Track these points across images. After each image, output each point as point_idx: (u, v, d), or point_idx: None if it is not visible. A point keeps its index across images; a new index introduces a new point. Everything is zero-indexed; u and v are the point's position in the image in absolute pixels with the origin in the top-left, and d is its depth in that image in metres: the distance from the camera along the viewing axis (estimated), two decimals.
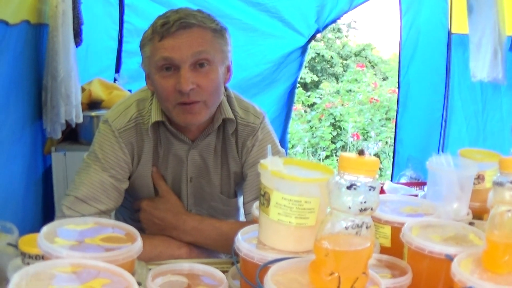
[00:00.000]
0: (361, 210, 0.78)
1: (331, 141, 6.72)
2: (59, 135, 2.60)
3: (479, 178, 1.45)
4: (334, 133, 6.74)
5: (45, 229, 1.01)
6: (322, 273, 0.81)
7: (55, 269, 0.86)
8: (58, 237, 1.02)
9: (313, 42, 9.36)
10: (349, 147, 6.36)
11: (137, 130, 1.67)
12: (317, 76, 9.19)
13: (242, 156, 1.76)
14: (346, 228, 0.79)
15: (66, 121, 2.60)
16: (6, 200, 2.09)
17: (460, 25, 3.16)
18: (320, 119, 6.91)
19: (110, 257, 0.93)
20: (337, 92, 7.42)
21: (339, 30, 9.73)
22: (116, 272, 0.87)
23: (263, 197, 1.00)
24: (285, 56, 3.50)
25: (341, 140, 6.65)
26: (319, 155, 6.66)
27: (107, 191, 1.64)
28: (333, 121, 6.79)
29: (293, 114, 7.24)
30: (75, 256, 0.92)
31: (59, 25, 2.45)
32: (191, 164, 1.73)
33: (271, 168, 0.97)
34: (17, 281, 0.78)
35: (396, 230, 1.21)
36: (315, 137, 6.82)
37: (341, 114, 6.74)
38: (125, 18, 3.33)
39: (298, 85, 7.71)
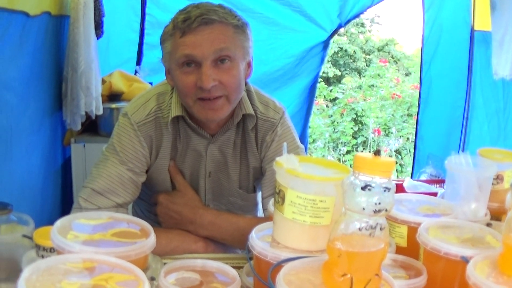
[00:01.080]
0: (375, 211, 0.77)
1: (353, 136, 6.68)
2: (79, 127, 2.63)
3: (498, 178, 1.42)
4: (356, 128, 6.69)
5: (59, 223, 1.01)
6: (335, 274, 0.80)
7: (67, 264, 0.85)
8: (72, 231, 1.01)
9: (336, 37, 9.33)
10: (370, 143, 6.30)
11: (156, 124, 1.67)
12: (340, 70, 9.14)
13: (261, 151, 1.75)
14: (360, 229, 0.78)
15: (86, 113, 2.63)
16: (24, 190, 2.11)
17: (483, 22, 3.10)
18: (341, 114, 6.87)
19: (123, 252, 0.92)
20: (359, 87, 7.36)
21: (362, 24, 9.65)
22: (128, 269, 0.86)
23: (278, 195, 0.99)
24: (307, 50, 3.48)
25: (363, 136, 6.60)
26: (340, 150, 6.62)
27: (124, 184, 1.64)
28: (354, 116, 6.75)
29: (314, 108, 7.24)
30: (87, 251, 0.91)
31: (81, 17, 2.47)
32: (210, 159, 1.73)
33: (286, 166, 0.96)
34: (28, 275, 0.77)
35: (413, 230, 1.19)
36: (336, 132, 6.78)
37: (362, 109, 6.69)
38: (147, 10, 3.34)
39: (320, 79, 7.71)
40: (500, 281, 0.94)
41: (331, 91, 7.34)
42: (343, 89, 7.54)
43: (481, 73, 3.26)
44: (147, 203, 1.87)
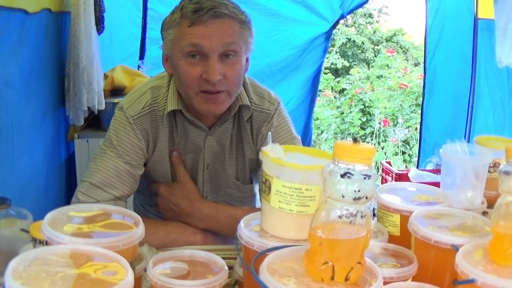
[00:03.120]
0: (355, 199, 0.77)
1: (361, 127, 6.66)
2: (82, 122, 2.64)
3: (495, 166, 1.41)
4: (364, 119, 6.66)
5: (50, 215, 1.02)
6: (316, 262, 0.80)
7: (54, 255, 0.87)
8: (63, 223, 1.03)
9: (344, 28, 9.31)
10: (376, 133, 6.27)
11: (151, 117, 1.68)
12: (348, 61, 9.10)
13: (257, 142, 1.75)
14: (340, 217, 0.78)
15: (89, 108, 2.64)
16: (27, 186, 2.13)
17: (486, 10, 3.07)
18: (349, 105, 6.85)
19: (111, 243, 0.94)
20: (367, 77, 7.32)
21: (370, 15, 9.59)
22: (113, 258, 0.87)
23: (265, 185, 1.00)
24: (309, 41, 3.47)
25: (371, 126, 6.57)
26: (348, 141, 6.59)
27: (122, 177, 1.65)
28: (362, 107, 6.72)
29: (322, 100, 7.23)
30: (76, 242, 0.92)
31: (81, 13, 2.48)
32: (208, 151, 1.73)
33: (272, 155, 0.96)
34: (15, 265, 0.78)
35: (405, 218, 1.19)
36: (344, 123, 6.76)
37: (370, 100, 6.66)
38: (149, 5, 3.35)
39: (327, 70, 7.68)
40: (489, 269, 0.94)
41: (338, 82, 7.31)
42: (352, 80, 7.51)
43: (486, 61, 3.23)
44: (147, 196, 1.88)
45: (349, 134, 6.69)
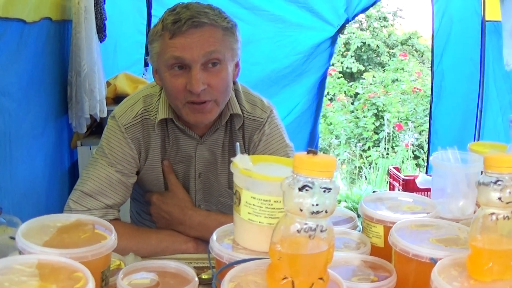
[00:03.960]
0: (313, 213, 0.74)
1: (374, 132, 6.60)
2: (84, 130, 2.66)
3: None
4: (377, 124, 6.60)
5: (24, 226, 1.04)
6: (276, 277, 0.78)
7: (22, 265, 0.88)
8: (38, 233, 1.03)
9: (358, 31, 9.24)
10: (385, 138, 6.20)
11: (143, 126, 1.68)
12: (364, 65, 9.04)
13: (249, 151, 1.74)
14: (299, 231, 0.75)
15: (92, 116, 2.65)
16: (26, 193, 2.14)
17: (494, 11, 3.01)
18: (362, 110, 6.79)
19: (79, 253, 0.94)
20: (381, 82, 7.26)
21: (385, 18, 9.51)
22: (78, 269, 0.87)
23: (235, 196, 0.98)
24: (314, 46, 3.45)
25: (384, 131, 6.51)
26: (362, 146, 6.56)
27: (114, 185, 1.65)
28: (375, 111, 6.66)
29: (336, 104, 7.18)
30: (46, 252, 0.93)
31: (82, 21, 2.50)
32: (200, 160, 1.73)
33: (240, 166, 0.95)
34: None
35: (389, 229, 1.15)
36: (358, 128, 6.70)
37: (383, 104, 6.59)
38: (153, 12, 3.36)
39: (340, 75, 7.63)
40: (465, 285, 0.91)
41: (351, 86, 7.25)
42: (366, 84, 7.45)
43: (494, 64, 3.17)
44: (143, 204, 1.88)
45: (363, 139, 6.63)
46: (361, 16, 10.02)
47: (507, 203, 0.88)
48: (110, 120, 1.71)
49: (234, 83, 1.77)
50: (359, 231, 1.29)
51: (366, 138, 6.57)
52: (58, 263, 0.90)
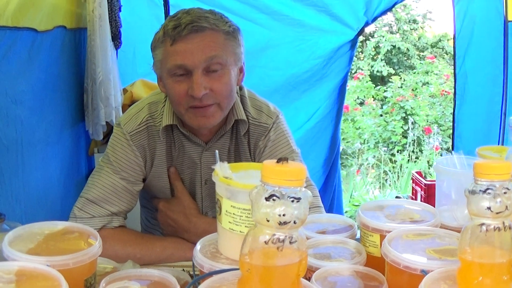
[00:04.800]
0: (280, 224, 0.71)
1: (403, 135, 6.48)
2: (101, 137, 2.68)
3: None
4: (406, 127, 6.49)
5: (11, 233, 1.05)
6: None
7: (1, 271, 0.89)
8: (25, 240, 1.04)
9: (388, 34, 9.13)
10: (413, 142, 6.07)
11: (148, 133, 1.68)
12: (394, 69, 8.92)
13: (255, 157, 1.72)
14: (266, 242, 0.73)
15: (108, 123, 2.68)
16: (40, 200, 2.16)
17: None
18: (391, 113, 6.68)
19: (60, 261, 0.95)
20: (409, 85, 7.14)
21: (414, 21, 9.36)
22: (54, 277, 0.87)
23: (217, 205, 0.96)
24: (334, 50, 3.39)
25: (412, 134, 6.39)
26: (391, 150, 6.45)
27: (118, 193, 1.66)
28: (404, 115, 6.55)
29: (365, 108, 7.08)
30: (29, 259, 0.95)
31: (97, 29, 2.52)
32: (205, 166, 1.72)
33: (220, 174, 0.92)
34: None
35: None
36: (386, 131, 6.60)
37: (412, 108, 6.47)
38: None
39: (368, 78, 7.53)
40: None
41: (378, 90, 7.15)
42: (394, 88, 7.33)
43: None
44: (151, 211, 1.88)
45: (391, 143, 6.52)
46: (391, 19, 9.89)
47: (497, 213, 0.83)
48: (116, 128, 1.72)
49: (241, 88, 1.76)
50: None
51: (395, 142, 6.46)
52: (36, 271, 0.91)
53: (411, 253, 1.02)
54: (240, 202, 0.91)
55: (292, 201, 0.72)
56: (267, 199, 0.72)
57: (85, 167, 2.76)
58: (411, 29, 9.35)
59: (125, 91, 2.87)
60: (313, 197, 1.69)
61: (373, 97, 7.17)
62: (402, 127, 6.48)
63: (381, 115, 6.89)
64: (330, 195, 3.56)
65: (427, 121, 6.26)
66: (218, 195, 0.94)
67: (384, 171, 5.95)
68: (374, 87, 7.21)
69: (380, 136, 6.60)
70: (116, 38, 2.69)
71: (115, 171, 1.66)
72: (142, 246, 1.64)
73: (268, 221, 0.72)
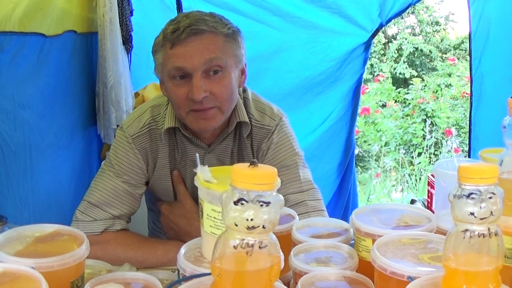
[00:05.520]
0: (248, 228, 0.70)
1: (424, 138, 6.40)
2: (112, 140, 2.69)
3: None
4: (427, 130, 6.40)
5: (2, 236, 1.06)
6: None
7: None
8: (15, 242, 1.06)
9: (411, 37, 9.03)
10: (433, 144, 5.97)
11: (151, 136, 1.69)
12: (416, 71, 8.83)
13: (258, 159, 1.71)
14: (235, 247, 0.72)
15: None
16: (50, 204, 2.19)
17: None
18: (411, 115, 6.60)
19: (45, 263, 0.96)
20: (430, 87, 7.05)
21: (437, 23, 9.25)
22: (36, 279, 0.88)
23: (199, 208, 0.96)
24: (348, 52, 3.36)
25: (434, 137, 6.30)
26: (412, 152, 6.37)
27: (120, 196, 1.67)
28: (424, 117, 6.46)
29: (385, 111, 7.01)
30: (14, 261, 0.95)
31: (107, 33, 2.54)
32: None
33: (201, 178, 0.92)
34: None
35: None
36: (407, 134, 6.52)
37: (433, 110, 6.39)
38: None
39: (388, 81, 7.45)
40: None
41: (399, 92, 7.07)
42: (415, 90, 7.25)
43: None
44: (157, 214, 1.88)
45: (412, 145, 6.44)
46: (413, 21, 9.79)
47: (481, 218, 0.81)
48: (118, 131, 1.74)
49: (244, 90, 1.75)
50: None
51: (415, 144, 6.38)
52: (20, 272, 0.91)
53: (401, 259, 0.99)
54: (220, 206, 0.89)
55: (262, 205, 0.71)
56: (235, 203, 0.71)
57: (97, 170, 2.77)
58: (433, 31, 9.25)
59: (137, 94, 2.89)
60: (315, 201, 1.69)
61: (394, 99, 7.10)
62: (423, 130, 6.40)
63: (402, 118, 6.81)
64: (345, 198, 3.52)
65: (448, 124, 6.16)
66: (200, 199, 0.94)
67: (405, 174, 5.88)
68: (395, 89, 7.13)
69: (401, 138, 6.53)
70: (127, 42, 2.71)
71: (116, 174, 1.67)
72: (144, 250, 1.64)
73: (236, 225, 0.70)
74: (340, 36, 3.34)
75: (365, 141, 6.72)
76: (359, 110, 6.78)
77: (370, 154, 6.65)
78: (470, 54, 3.15)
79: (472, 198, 0.81)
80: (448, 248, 0.83)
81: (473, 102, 3.26)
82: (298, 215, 1.57)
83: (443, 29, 9.26)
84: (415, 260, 1.00)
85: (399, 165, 5.84)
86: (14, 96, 1.91)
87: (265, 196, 0.71)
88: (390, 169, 6.22)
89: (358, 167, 6.52)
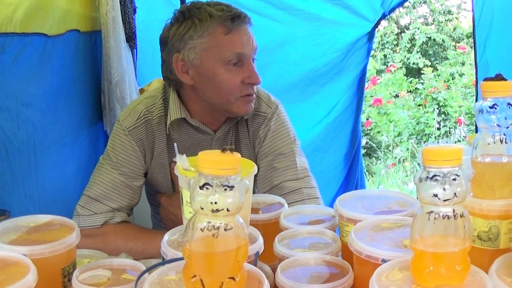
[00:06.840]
0: (213, 211, 0.74)
1: (437, 128, 6.37)
2: None
3: None
4: (439, 119, 6.36)
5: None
6: (188, 275, 0.78)
7: None
8: (11, 232, 1.11)
9: (423, 26, 8.94)
10: (435, 135, 5.92)
11: (146, 126, 1.73)
12: (430, 60, 8.75)
13: (254, 146, 1.76)
14: (202, 229, 0.75)
15: None
16: (56, 199, 2.24)
17: None
18: (424, 105, 6.57)
19: (36, 250, 1.02)
20: (440, 76, 6.99)
21: (449, 12, 9.14)
22: (25, 264, 0.93)
23: (180, 195, 0.99)
24: (352, 43, 3.36)
25: (446, 126, 6.26)
26: (425, 142, 6.35)
27: (118, 189, 1.71)
28: (436, 106, 6.43)
29: (397, 101, 6.98)
30: (8, 249, 1.01)
31: (111, 31, 2.59)
32: None
33: (180, 166, 0.96)
34: None
35: None
36: (419, 124, 6.49)
37: (445, 99, 6.34)
38: None
39: (400, 71, 7.40)
40: None
41: (410, 82, 7.03)
42: (427, 79, 7.19)
43: None
44: (157, 207, 1.92)
45: (425, 135, 6.41)
46: (426, 11, 9.69)
47: (445, 200, 0.83)
48: (116, 124, 1.78)
49: None
50: None
51: (428, 134, 6.35)
52: (12, 259, 0.96)
53: (378, 242, 1.02)
54: None
55: (226, 189, 0.74)
56: (201, 187, 0.74)
57: None
58: (446, 20, 9.15)
59: (142, 90, 2.93)
60: (310, 188, 1.72)
61: (406, 89, 7.06)
62: (435, 119, 6.36)
63: (414, 108, 6.77)
64: (352, 189, 3.53)
65: (460, 112, 6.12)
66: (180, 187, 0.98)
67: (417, 164, 5.86)
68: (406, 79, 7.09)
69: (414, 128, 6.50)
70: (131, 39, 2.75)
71: (114, 166, 1.71)
72: (144, 241, 1.68)
73: (202, 208, 0.74)
74: (343, 27, 3.34)
75: (378, 132, 6.71)
76: (371, 101, 6.78)
77: (383, 145, 6.63)
78: (474, 42, 3.13)
79: (436, 180, 0.83)
80: (415, 230, 0.86)
81: (478, 90, 3.23)
82: (293, 202, 1.61)
83: (456, 17, 9.16)
84: (392, 244, 1.02)
85: (409, 155, 5.81)
86: (17, 95, 1.96)
87: (230, 181, 0.74)
88: (404, 159, 6.20)
89: (373, 158, 6.52)
